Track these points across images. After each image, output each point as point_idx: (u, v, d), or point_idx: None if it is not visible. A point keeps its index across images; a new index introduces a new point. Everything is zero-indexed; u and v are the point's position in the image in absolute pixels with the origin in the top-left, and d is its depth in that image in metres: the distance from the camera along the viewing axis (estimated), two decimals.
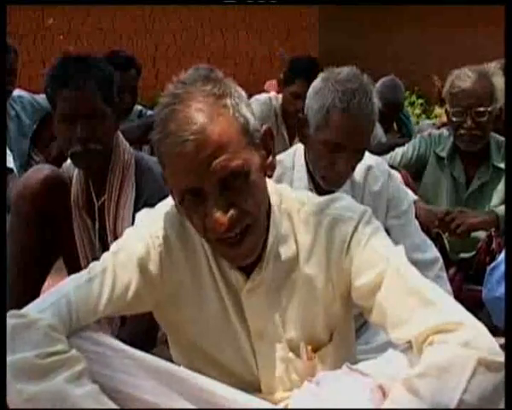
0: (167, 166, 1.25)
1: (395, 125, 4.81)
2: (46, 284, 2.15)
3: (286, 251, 1.37)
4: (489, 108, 2.69)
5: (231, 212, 1.23)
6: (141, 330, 1.88)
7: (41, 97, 4.03)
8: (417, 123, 6.59)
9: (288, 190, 1.42)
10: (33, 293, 1.73)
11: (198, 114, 1.21)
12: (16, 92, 3.85)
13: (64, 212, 2.10)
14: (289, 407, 1.33)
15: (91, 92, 1.98)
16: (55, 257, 2.22)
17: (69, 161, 2.24)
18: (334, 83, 1.95)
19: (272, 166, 1.34)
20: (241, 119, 1.26)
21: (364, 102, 1.92)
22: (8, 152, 3.24)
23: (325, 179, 2.02)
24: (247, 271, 1.35)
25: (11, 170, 3.23)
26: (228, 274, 1.36)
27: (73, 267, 1.40)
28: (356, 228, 1.34)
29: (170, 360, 1.41)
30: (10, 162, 3.24)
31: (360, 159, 2.02)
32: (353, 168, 2.02)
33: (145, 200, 1.95)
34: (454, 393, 1.12)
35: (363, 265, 1.32)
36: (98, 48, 7.69)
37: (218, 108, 1.23)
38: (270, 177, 1.33)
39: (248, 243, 1.27)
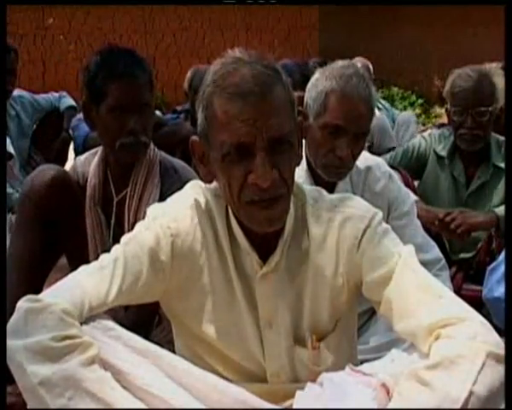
0: (220, 119, 1.27)
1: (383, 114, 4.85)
2: (46, 283, 2.16)
3: (299, 242, 1.41)
4: (490, 108, 2.69)
5: (275, 172, 1.27)
6: (142, 316, 1.88)
7: (41, 97, 4.04)
8: (423, 124, 6.62)
9: (301, 186, 1.46)
10: (35, 292, 1.73)
11: (262, 74, 1.27)
12: (16, 92, 3.85)
13: (69, 212, 2.10)
14: (294, 406, 1.33)
15: (145, 84, 2.00)
16: (58, 256, 2.23)
17: (83, 156, 2.23)
18: (331, 71, 2.01)
19: (301, 158, 1.40)
20: (292, 98, 1.33)
21: (361, 85, 1.97)
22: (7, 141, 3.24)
23: (326, 168, 2.03)
24: (262, 259, 1.38)
25: (11, 155, 3.23)
26: (242, 262, 1.39)
27: (77, 266, 1.40)
28: (368, 226, 1.38)
29: None
30: (9, 146, 3.24)
31: (361, 147, 2.02)
32: (354, 157, 2.02)
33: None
34: (464, 384, 1.13)
35: (374, 261, 1.36)
36: (98, 48, 7.69)
37: (277, 79, 1.30)
38: (297, 165, 1.37)
39: (280, 206, 1.31)
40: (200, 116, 1.33)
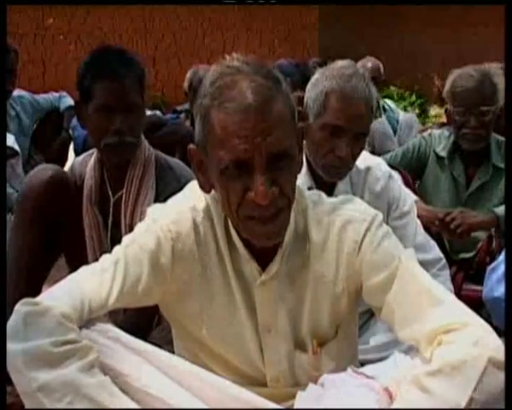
0: (218, 134, 1.24)
1: (383, 115, 4.84)
2: (46, 284, 2.16)
3: (300, 247, 1.39)
4: (492, 108, 2.69)
5: (273, 189, 1.25)
6: (140, 318, 1.88)
7: (41, 97, 4.04)
8: (422, 124, 6.60)
9: (301, 190, 1.44)
10: (34, 293, 1.73)
11: (261, 87, 1.23)
12: (16, 92, 3.85)
13: (68, 212, 2.10)
14: (295, 407, 1.33)
15: (132, 85, 2.00)
16: (57, 256, 2.23)
17: (80, 157, 2.24)
18: (330, 71, 2.01)
19: (301, 164, 1.38)
20: (292, 107, 1.30)
21: (361, 85, 1.97)
22: (9, 135, 3.23)
23: (326, 168, 2.03)
24: (261, 265, 1.37)
25: (16, 152, 3.21)
26: (241, 267, 1.38)
27: (75, 266, 1.40)
28: (368, 229, 1.37)
29: None
30: (14, 144, 3.23)
31: (361, 147, 2.02)
32: (354, 157, 2.02)
33: (165, 198, 1.93)
34: (465, 391, 1.13)
35: (374, 265, 1.35)
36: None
37: (277, 90, 1.26)
38: (298, 173, 1.35)
39: (280, 221, 1.29)
40: (197, 126, 1.30)
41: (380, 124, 4.26)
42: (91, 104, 2.00)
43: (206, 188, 1.36)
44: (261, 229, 1.28)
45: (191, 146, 1.35)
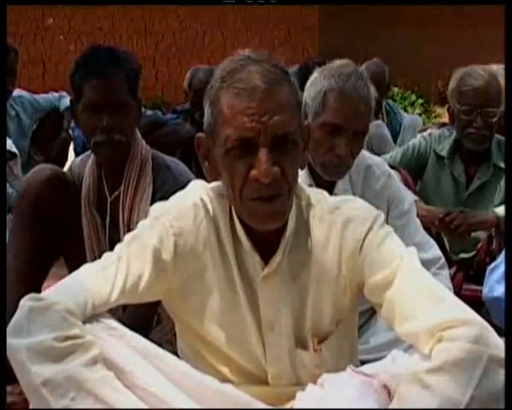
0: (225, 113, 1.28)
1: (386, 117, 4.82)
2: (45, 283, 2.16)
3: (301, 244, 1.41)
4: (498, 110, 2.69)
5: (276, 169, 1.27)
6: (140, 316, 1.88)
7: (41, 97, 4.04)
8: (422, 124, 6.58)
9: (303, 187, 1.46)
10: (34, 292, 1.74)
11: (268, 72, 1.29)
12: (16, 92, 3.85)
13: (66, 212, 2.10)
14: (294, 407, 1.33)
15: (120, 83, 2.00)
16: (57, 257, 2.23)
17: (79, 158, 2.25)
18: (329, 70, 2.02)
19: (305, 161, 1.41)
20: (298, 99, 1.36)
21: (360, 84, 1.98)
22: (9, 141, 3.23)
23: (325, 166, 2.03)
24: (264, 260, 1.38)
25: (14, 154, 3.21)
26: (245, 262, 1.39)
27: (74, 267, 1.40)
28: (370, 228, 1.38)
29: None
30: (12, 146, 3.23)
31: (360, 146, 2.02)
32: (353, 155, 2.02)
33: (162, 196, 1.93)
34: (466, 389, 1.13)
35: (377, 263, 1.36)
36: None
37: (284, 78, 1.32)
38: (301, 169, 1.38)
39: (281, 202, 1.31)
40: (206, 112, 1.34)
41: (378, 127, 4.25)
42: (81, 103, 2.01)
43: (212, 175, 1.39)
44: (262, 208, 1.30)
45: (199, 134, 1.39)
